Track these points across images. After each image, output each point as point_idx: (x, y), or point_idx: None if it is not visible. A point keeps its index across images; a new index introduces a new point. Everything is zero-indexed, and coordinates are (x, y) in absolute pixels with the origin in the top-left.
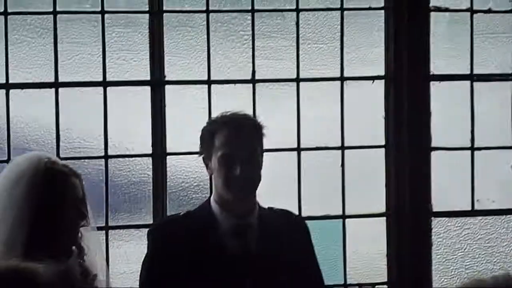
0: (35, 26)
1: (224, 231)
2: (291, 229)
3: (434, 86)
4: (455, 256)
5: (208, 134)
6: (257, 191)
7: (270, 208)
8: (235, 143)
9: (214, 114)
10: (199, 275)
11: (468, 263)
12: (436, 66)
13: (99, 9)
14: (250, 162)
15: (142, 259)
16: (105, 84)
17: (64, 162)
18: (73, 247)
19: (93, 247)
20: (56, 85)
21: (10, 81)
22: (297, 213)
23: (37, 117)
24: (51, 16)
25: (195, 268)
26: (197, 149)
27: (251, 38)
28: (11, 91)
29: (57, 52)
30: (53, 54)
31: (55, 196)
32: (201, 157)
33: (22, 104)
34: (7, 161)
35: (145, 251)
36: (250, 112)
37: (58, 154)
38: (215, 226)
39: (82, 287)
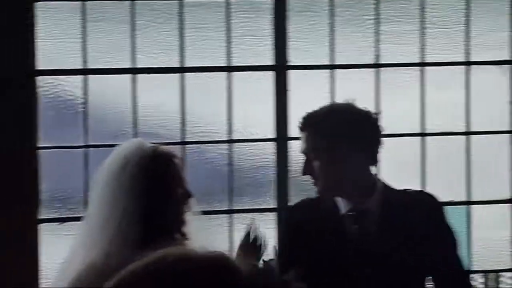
0: (161, 12)
1: (342, 215)
2: (423, 210)
3: None
4: None
5: None
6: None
7: (404, 191)
8: None
9: (337, 99)
10: (318, 260)
11: None
12: None
13: None
14: None
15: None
16: (229, 69)
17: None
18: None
19: (196, 232)
20: (181, 70)
21: (137, 66)
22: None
23: (162, 102)
24: (177, 1)
25: (314, 253)
26: None
27: (375, 22)
28: (137, 76)
29: (182, 37)
30: (179, 40)
31: (163, 176)
32: None
33: (148, 89)
34: None
35: (269, 234)
36: (371, 98)
37: (183, 139)
38: (334, 211)
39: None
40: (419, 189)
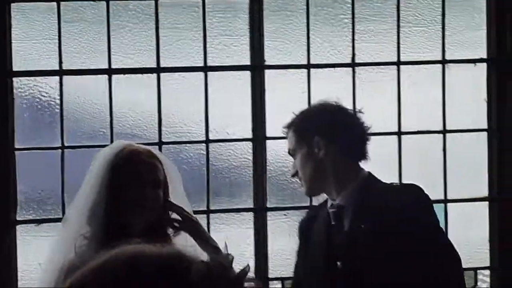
0: (137, 12)
1: (327, 214)
2: (406, 205)
3: None
4: None
5: None
6: None
7: (389, 185)
8: None
9: (314, 98)
10: (307, 260)
11: None
12: None
13: None
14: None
15: (243, 242)
16: (206, 69)
17: (148, 147)
18: (170, 231)
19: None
20: (157, 70)
21: (112, 66)
22: None
23: (139, 102)
24: (153, 2)
25: (307, 256)
26: None
27: (351, 21)
28: (113, 76)
29: (158, 38)
30: (155, 40)
31: (130, 174)
32: None
33: (124, 89)
34: None
35: (246, 234)
36: (350, 96)
37: (160, 139)
38: (324, 211)
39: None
40: (408, 182)
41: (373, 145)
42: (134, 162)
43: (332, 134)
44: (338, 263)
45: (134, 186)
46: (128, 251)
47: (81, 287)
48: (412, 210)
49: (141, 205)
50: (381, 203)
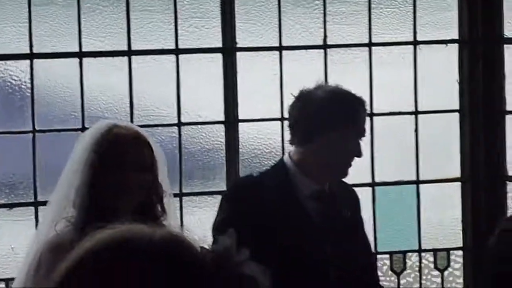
0: None
1: (303, 194)
2: (349, 196)
3: (509, 49)
4: None
5: None
6: None
7: None
8: None
9: (286, 81)
10: (279, 238)
11: None
12: (510, 28)
13: None
14: None
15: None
16: (177, 51)
17: (138, 129)
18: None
19: (169, 213)
20: (129, 53)
21: (83, 49)
22: (370, 178)
23: (110, 85)
24: None
25: (273, 231)
26: (269, 115)
27: (322, 3)
28: (84, 59)
29: (129, 20)
30: (126, 23)
31: (115, 156)
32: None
33: (96, 72)
34: (82, 129)
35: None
36: (322, 78)
37: (131, 122)
38: (292, 188)
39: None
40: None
41: None
42: (119, 143)
43: (347, 122)
44: (328, 243)
45: (118, 169)
46: (116, 234)
47: (70, 277)
48: (355, 202)
49: (126, 188)
50: (340, 192)
